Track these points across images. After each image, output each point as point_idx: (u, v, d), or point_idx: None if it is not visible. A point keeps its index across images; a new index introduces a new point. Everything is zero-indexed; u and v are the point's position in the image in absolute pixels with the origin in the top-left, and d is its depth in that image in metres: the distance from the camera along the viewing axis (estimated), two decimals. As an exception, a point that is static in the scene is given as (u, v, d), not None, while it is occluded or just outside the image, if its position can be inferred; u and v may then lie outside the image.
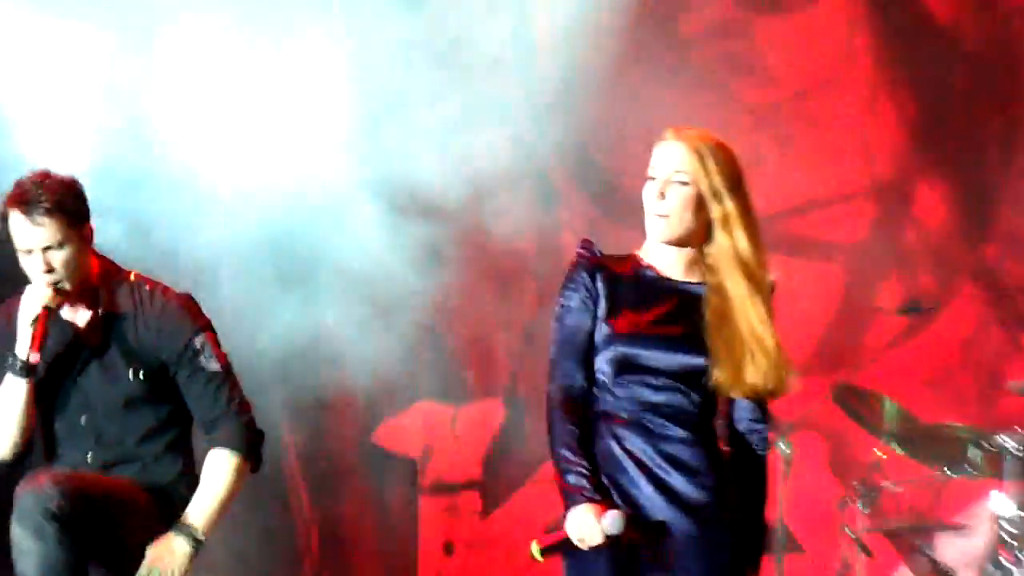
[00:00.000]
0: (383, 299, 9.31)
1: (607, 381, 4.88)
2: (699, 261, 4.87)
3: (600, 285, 4.92)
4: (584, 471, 4.82)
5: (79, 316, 5.72)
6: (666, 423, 4.86)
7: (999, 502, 7.30)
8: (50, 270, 5.62)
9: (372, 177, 8.78)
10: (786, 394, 4.96)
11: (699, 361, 4.86)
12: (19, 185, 5.70)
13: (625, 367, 4.83)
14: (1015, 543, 7.23)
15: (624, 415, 4.84)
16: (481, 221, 9.29)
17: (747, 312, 4.87)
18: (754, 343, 4.87)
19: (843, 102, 9.25)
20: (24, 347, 5.65)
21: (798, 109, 9.27)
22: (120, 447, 5.76)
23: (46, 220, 5.60)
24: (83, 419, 5.76)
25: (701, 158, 4.85)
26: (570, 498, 4.82)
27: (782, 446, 7.83)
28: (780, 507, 7.99)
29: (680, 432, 4.85)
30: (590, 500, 4.75)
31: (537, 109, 9.40)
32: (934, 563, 7.78)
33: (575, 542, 4.79)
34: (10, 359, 5.68)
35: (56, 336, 5.69)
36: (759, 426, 5.02)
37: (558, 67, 9.29)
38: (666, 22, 9.33)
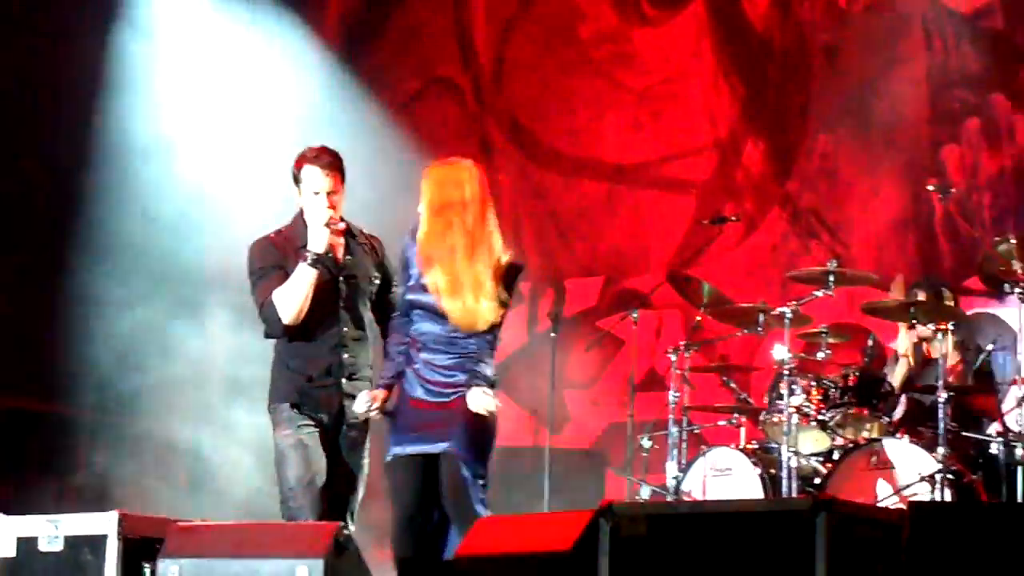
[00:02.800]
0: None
1: None
2: None
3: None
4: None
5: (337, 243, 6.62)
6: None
7: (779, 351, 8.32)
8: (332, 206, 6.53)
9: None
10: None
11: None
12: (314, 150, 6.57)
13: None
14: (786, 375, 8.16)
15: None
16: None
17: None
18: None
19: (695, 85, 10.65)
20: (318, 242, 6.47)
21: (665, 91, 10.70)
22: (360, 320, 6.68)
23: (333, 173, 6.55)
24: (341, 302, 6.62)
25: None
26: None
27: (633, 314, 9.16)
28: (633, 363, 9.23)
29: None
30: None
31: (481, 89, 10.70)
32: (736, 392, 8.84)
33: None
34: (307, 255, 6.44)
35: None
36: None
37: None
38: (570, 29, 10.83)
